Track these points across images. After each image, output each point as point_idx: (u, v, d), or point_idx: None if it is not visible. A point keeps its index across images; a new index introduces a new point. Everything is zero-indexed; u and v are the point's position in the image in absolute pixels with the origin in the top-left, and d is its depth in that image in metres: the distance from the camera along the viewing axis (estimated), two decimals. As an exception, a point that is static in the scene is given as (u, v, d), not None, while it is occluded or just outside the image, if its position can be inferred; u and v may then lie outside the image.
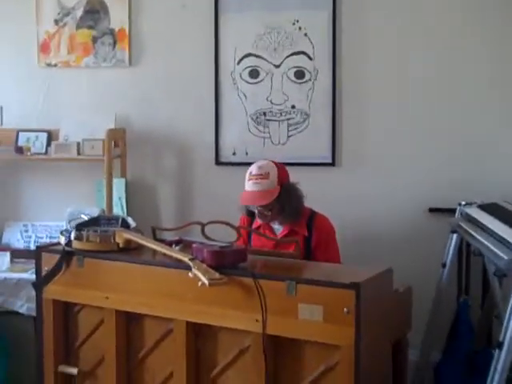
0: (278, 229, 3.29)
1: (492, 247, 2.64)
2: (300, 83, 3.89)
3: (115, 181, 3.88)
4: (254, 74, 3.95)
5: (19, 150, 3.94)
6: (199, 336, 2.64)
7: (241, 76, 3.96)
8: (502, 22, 3.64)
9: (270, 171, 3.18)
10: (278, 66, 3.91)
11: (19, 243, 4.11)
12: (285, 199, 3.18)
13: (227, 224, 2.79)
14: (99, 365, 2.86)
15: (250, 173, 3.20)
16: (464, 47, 3.68)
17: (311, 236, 3.23)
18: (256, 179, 3.16)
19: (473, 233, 2.97)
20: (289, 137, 3.92)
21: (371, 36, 3.79)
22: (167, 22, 4.04)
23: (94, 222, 2.93)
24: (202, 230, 2.78)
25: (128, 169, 4.06)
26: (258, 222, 3.31)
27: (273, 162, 3.25)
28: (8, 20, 4.20)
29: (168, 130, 4.07)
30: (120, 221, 2.92)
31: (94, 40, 4.11)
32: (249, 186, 3.19)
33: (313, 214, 3.29)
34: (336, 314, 2.33)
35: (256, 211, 3.23)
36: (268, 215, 3.21)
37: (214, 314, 2.54)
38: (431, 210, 3.75)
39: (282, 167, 3.25)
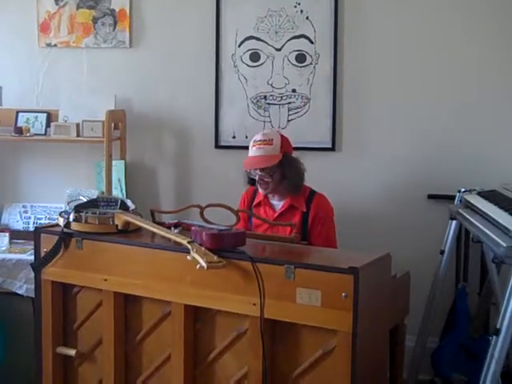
0: (278, 204, 3.35)
1: (491, 234, 2.63)
2: (301, 67, 3.87)
3: (115, 163, 3.87)
4: (254, 57, 3.92)
5: (18, 131, 3.92)
6: (197, 319, 2.64)
7: (241, 59, 3.93)
8: (503, 21, 3.63)
9: (273, 138, 3.26)
10: (279, 50, 3.89)
11: (18, 224, 4.10)
12: (286, 167, 3.25)
13: (226, 207, 2.79)
14: (97, 346, 2.87)
15: (255, 140, 3.29)
16: (466, 29, 3.67)
17: (309, 212, 3.28)
18: (259, 145, 3.25)
19: (472, 220, 2.96)
20: (289, 121, 3.91)
21: (373, 20, 3.77)
22: (168, 4, 4.01)
23: (92, 203, 2.92)
24: (201, 213, 2.78)
25: (127, 151, 4.04)
26: (259, 196, 3.35)
27: (277, 131, 3.31)
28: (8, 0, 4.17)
29: (168, 113, 4.06)
30: (119, 203, 2.91)
31: (95, 20, 4.08)
32: (252, 151, 3.27)
33: (313, 192, 3.35)
34: (334, 299, 2.34)
35: (257, 177, 3.25)
36: (269, 182, 3.25)
37: (211, 297, 2.55)
38: (430, 197, 3.75)
39: (286, 138, 3.32)
